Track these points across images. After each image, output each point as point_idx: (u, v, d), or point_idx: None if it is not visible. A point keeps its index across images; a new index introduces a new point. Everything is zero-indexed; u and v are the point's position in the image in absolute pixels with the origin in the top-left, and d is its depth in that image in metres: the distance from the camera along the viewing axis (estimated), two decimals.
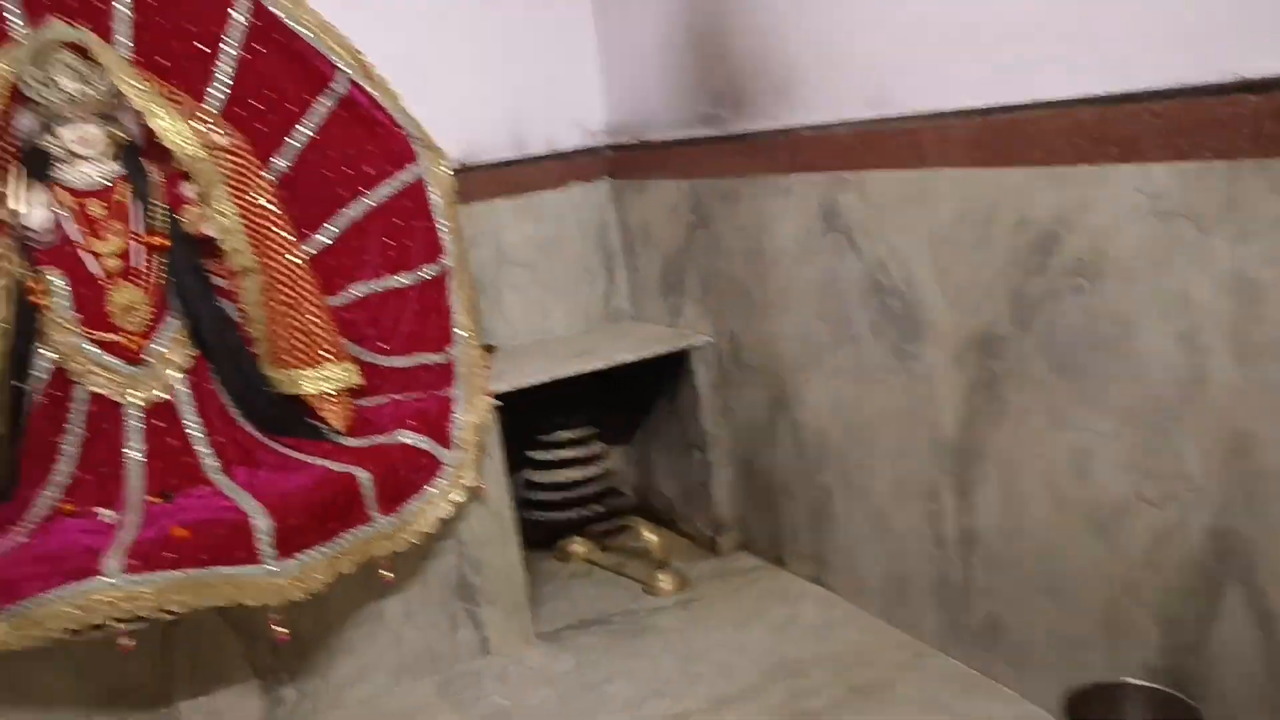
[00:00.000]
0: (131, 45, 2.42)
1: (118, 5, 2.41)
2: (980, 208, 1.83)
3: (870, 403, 2.23)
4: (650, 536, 2.72)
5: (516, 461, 2.81)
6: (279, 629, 2.05)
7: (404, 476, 2.29)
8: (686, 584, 2.70)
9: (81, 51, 2.27)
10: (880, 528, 2.28)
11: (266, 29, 2.53)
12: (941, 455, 2.05)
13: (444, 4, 2.88)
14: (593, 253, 3.14)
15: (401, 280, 2.64)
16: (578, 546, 2.96)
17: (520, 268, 3.05)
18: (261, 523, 2.03)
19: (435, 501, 2.33)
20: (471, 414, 2.42)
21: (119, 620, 1.91)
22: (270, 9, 2.52)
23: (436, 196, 2.63)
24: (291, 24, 2.54)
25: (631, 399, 3.06)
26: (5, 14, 2.33)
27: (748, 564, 2.76)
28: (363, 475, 2.21)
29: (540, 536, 2.93)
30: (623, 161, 3.05)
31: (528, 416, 2.80)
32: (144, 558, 1.93)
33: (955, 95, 1.84)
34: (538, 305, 3.08)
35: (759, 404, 2.64)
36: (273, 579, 2.02)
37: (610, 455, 3.08)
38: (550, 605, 2.67)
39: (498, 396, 2.51)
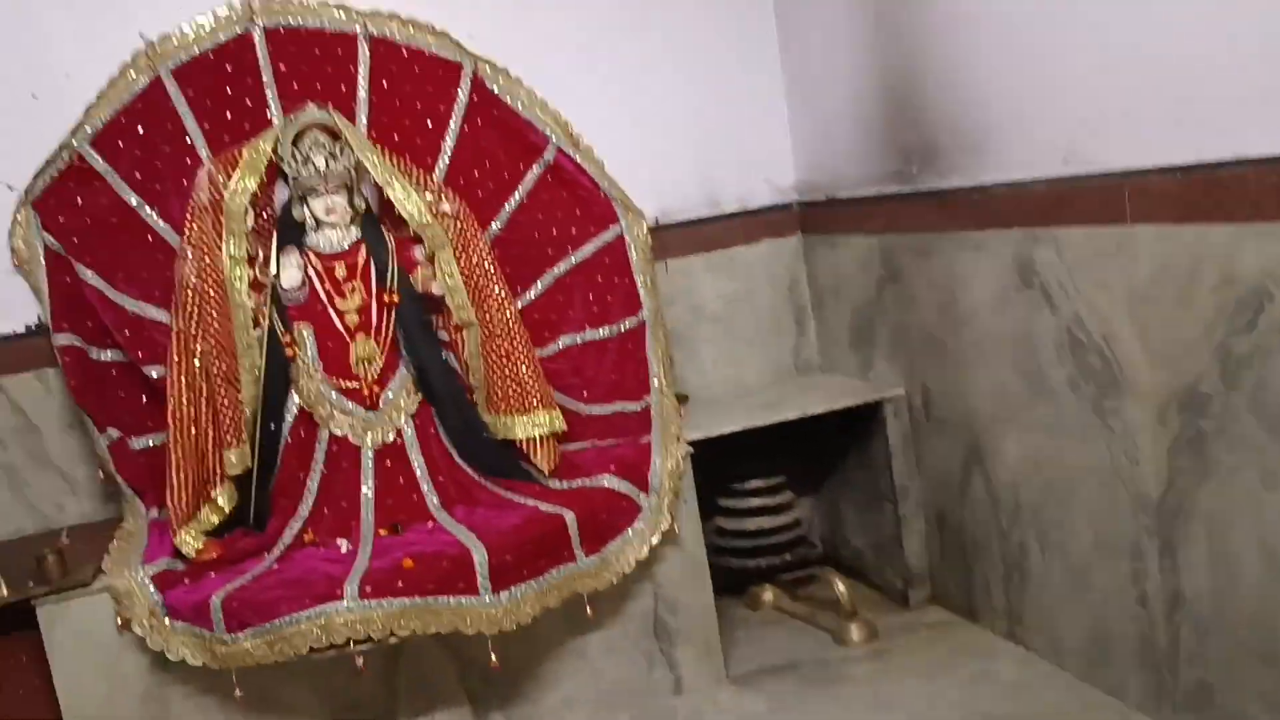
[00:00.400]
0: (369, 124, 2.72)
1: (359, 89, 2.72)
2: (1182, 264, 1.82)
3: (1068, 459, 2.21)
4: (841, 587, 2.76)
5: (709, 509, 2.91)
6: (493, 657, 2.21)
7: (606, 519, 2.44)
8: (876, 635, 2.72)
9: (330, 131, 2.57)
10: (1080, 586, 2.24)
11: (485, 105, 2.78)
12: (1145, 514, 2.02)
13: (641, 72, 3.06)
14: (783, 306, 3.23)
15: (602, 333, 2.81)
16: (768, 594, 3.02)
17: (713, 321, 3.17)
18: (479, 557, 2.21)
19: (634, 543, 2.46)
20: (668, 460, 2.55)
21: (354, 641, 2.13)
22: (489, 87, 2.78)
23: (635, 254, 2.80)
24: (507, 99, 2.78)
25: (821, 450, 3.12)
26: (266, 103, 2.67)
27: (939, 618, 2.76)
28: (569, 516, 2.37)
29: (731, 583, 3.01)
30: (813, 217, 3.14)
31: (720, 465, 2.90)
32: (377, 585, 2.15)
33: (1155, 153, 1.84)
34: (730, 357, 3.19)
35: (952, 457, 2.64)
36: (488, 609, 2.20)
37: (800, 505, 3.13)
38: (741, 649, 2.74)
39: (691, 444, 2.63)
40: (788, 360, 3.25)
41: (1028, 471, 2.36)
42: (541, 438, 2.59)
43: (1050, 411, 2.24)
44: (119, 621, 2.23)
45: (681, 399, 2.95)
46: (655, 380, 2.76)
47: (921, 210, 2.58)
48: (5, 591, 2.20)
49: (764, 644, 2.78)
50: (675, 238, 3.09)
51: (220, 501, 2.42)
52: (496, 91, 2.78)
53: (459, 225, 2.60)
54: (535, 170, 2.81)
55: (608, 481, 2.51)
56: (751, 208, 3.19)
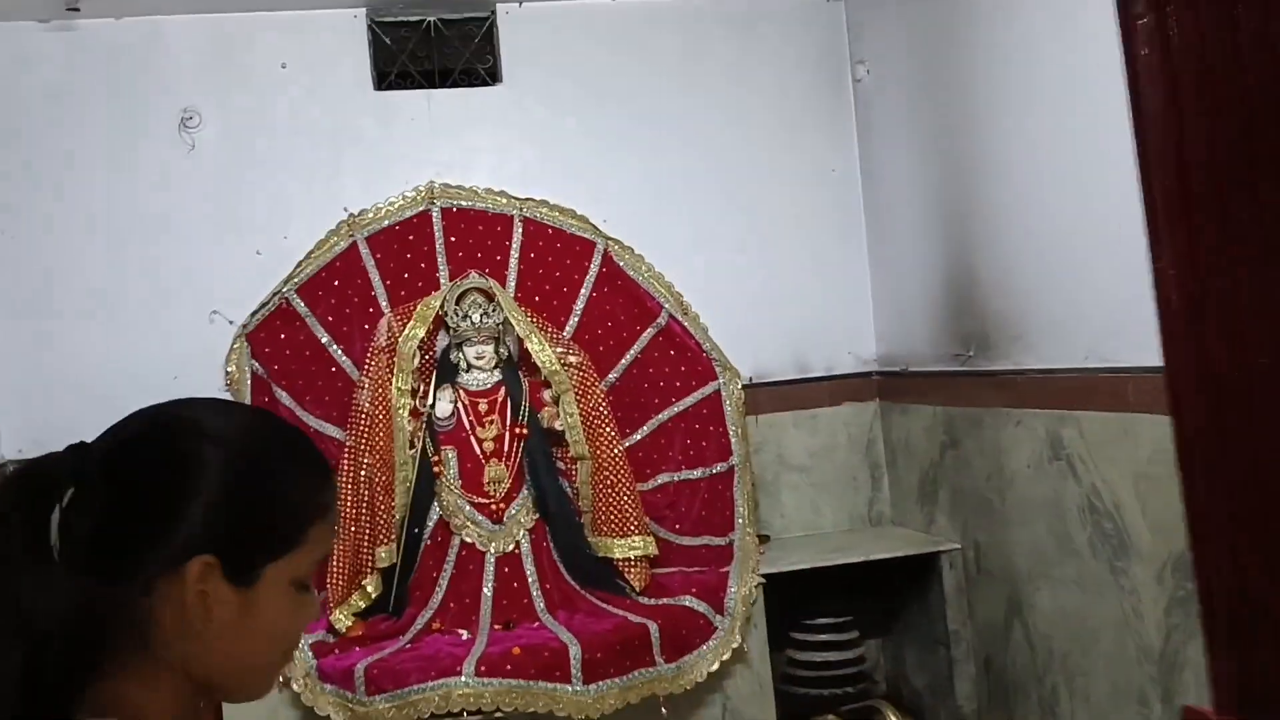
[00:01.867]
0: (517, 287, 3.32)
1: (511, 259, 3.33)
2: (1170, 449, 2.19)
3: (1090, 612, 2.54)
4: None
5: (783, 641, 3.28)
6: None
7: (685, 633, 2.85)
8: None
9: (485, 294, 3.17)
10: None
11: (611, 276, 3.36)
12: (1149, 663, 2.33)
13: (746, 251, 3.59)
14: (860, 463, 3.64)
15: (696, 474, 3.28)
16: None
17: (797, 472, 3.60)
18: (574, 652, 2.66)
19: (708, 657, 2.86)
20: (743, 588, 2.96)
21: (467, 712, 2.58)
22: (616, 261, 3.36)
23: (729, 407, 3.29)
24: (630, 272, 3.36)
25: (888, 595, 3.46)
26: (437, 268, 3.30)
27: None
28: (653, 627, 2.80)
29: (798, 710, 3.34)
30: (889, 386, 3.58)
31: (795, 601, 3.28)
32: (490, 667, 2.61)
33: (1152, 354, 2.24)
34: (810, 505, 3.60)
35: (997, 607, 2.98)
36: (578, 697, 2.63)
37: (866, 644, 3.46)
38: None
39: (766, 577, 3.04)
40: (862, 511, 3.63)
41: (1058, 622, 2.68)
42: (635, 559, 3.04)
43: (1075, 569, 2.58)
44: (280, 679, 2.74)
45: (763, 538, 3.37)
46: (739, 519, 3.21)
47: (976, 387, 3.00)
48: None
49: None
50: (766, 395, 3.56)
51: (369, 589, 2.94)
52: (622, 265, 3.36)
53: (581, 374, 3.14)
54: (649, 332, 3.35)
55: (689, 602, 2.93)
56: (836, 373, 3.65)
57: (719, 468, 3.28)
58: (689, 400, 3.33)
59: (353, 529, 2.95)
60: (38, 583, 0.71)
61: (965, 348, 3.06)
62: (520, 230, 3.34)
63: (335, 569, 2.90)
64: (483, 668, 2.61)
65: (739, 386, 3.33)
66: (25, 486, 0.75)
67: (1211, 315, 1.58)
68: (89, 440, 0.80)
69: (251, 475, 0.78)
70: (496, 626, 2.87)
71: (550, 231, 3.36)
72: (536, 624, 2.87)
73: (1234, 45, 1.09)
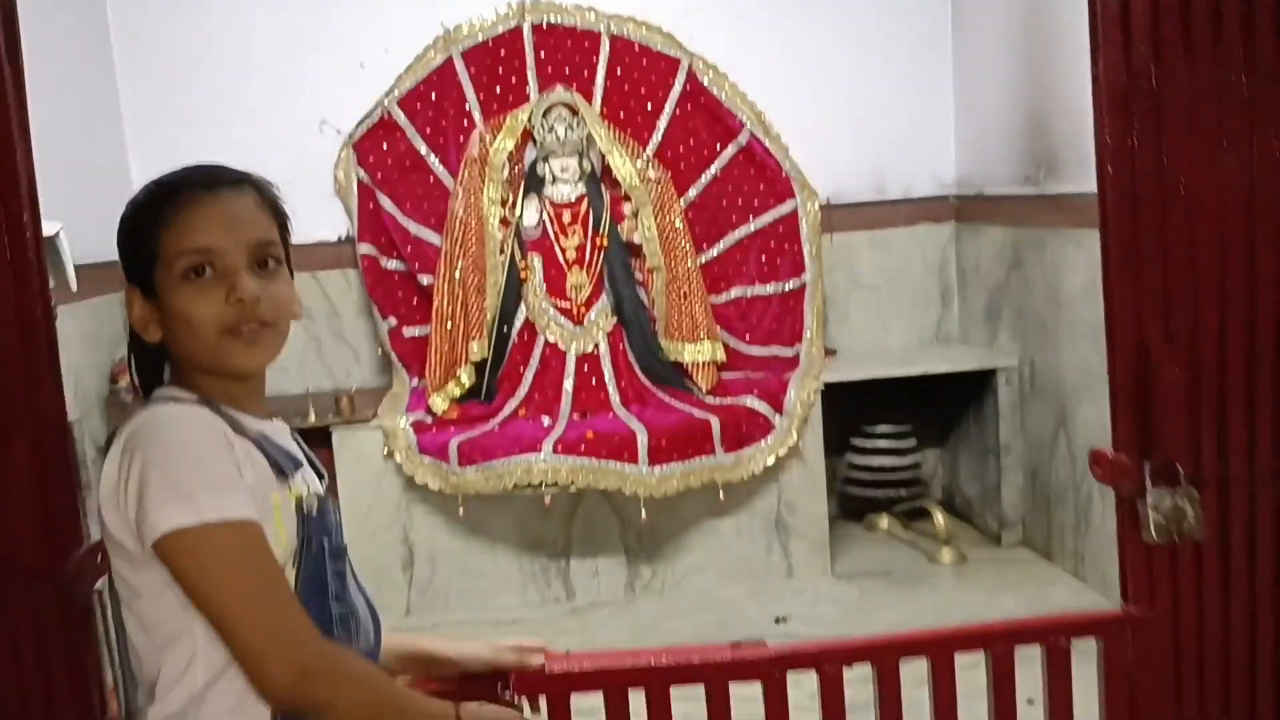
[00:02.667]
0: (602, 103, 3.46)
1: (598, 75, 3.46)
2: None
3: None
4: (940, 518, 3.31)
5: (844, 446, 3.52)
6: (644, 514, 2.95)
7: (745, 429, 3.10)
8: (964, 560, 3.26)
9: (571, 108, 3.33)
10: None
11: (695, 93, 3.46)
12: None
13: (829, 72, 3.62)
14: (932, 284, 3.76)
15: (769, 289, 3.46)
16: (883, 521, 3.60)
17: (868, 291, 3.74)
18: (642, 439, 2.94)
19: (765, 451, 3.12)
20: (803, 392, 3.18)
21: (545, 484, 2.91)
22: (700, 79, 3.45)
23: (805, 226, 3.42)
24: (714, 90, 3.46)
25: (947, 407, 3.64)
26: (527, 82, 3.46)
27: (1023, 556, 3.26)
28: (715, 421, 3.06)
29: (855, 509, 3.61)
30: (965, 209, 3.65)
31: (858, 410, 3.49)
32: (566, 447, 2.92)
33: None
34: (879, 323, 3.76)
35: (1046, 421, 3.13)
36: (644, 478, 2.93)
37: (923, 452, 3.68)
38: (850, 556, 3.35)
39: (828, 385, 3.24)
40: (930, 330, 3.77)
41: (1097, 433, 2.83)
42: (704, 363, 3.28)
43: None
44: (385, 450, 3.12)
45: (829, 352, 3.56)
46: (808, 332, 3.39)
47: (1042, 209, 3.07)
48: (314, 418, 3.12)
49: (869, 556, 3.37)
50: (843, 215, 3.67)
51: (463, 378, 3.25)
52: (706, 84, 3.46)
53: (660, 189, 3.31)
54: (730, 150, 3.47)
55: (750, 401, 3.17)
56: (913, 196, 3.73)
57: (791, 284, 3.45)
58: (766, 218, 3.47)
59: (448, 325, 3.25)
60: None
61: (1036, 169, 3.11)
62: (607, 46, 3.45)
63: (433, 361, 3.23)
64: (560, 447, 2.92)
65: (816, 206, 3.45)
66: None
67: None
68: None
69: (123, 226, 1.09)
70: (575, 415, 3.17)
71: (636, 48, 3.46)
72: (611, 415, 3.15)
73: None
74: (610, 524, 3.15)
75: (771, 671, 1.30)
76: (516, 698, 1.25)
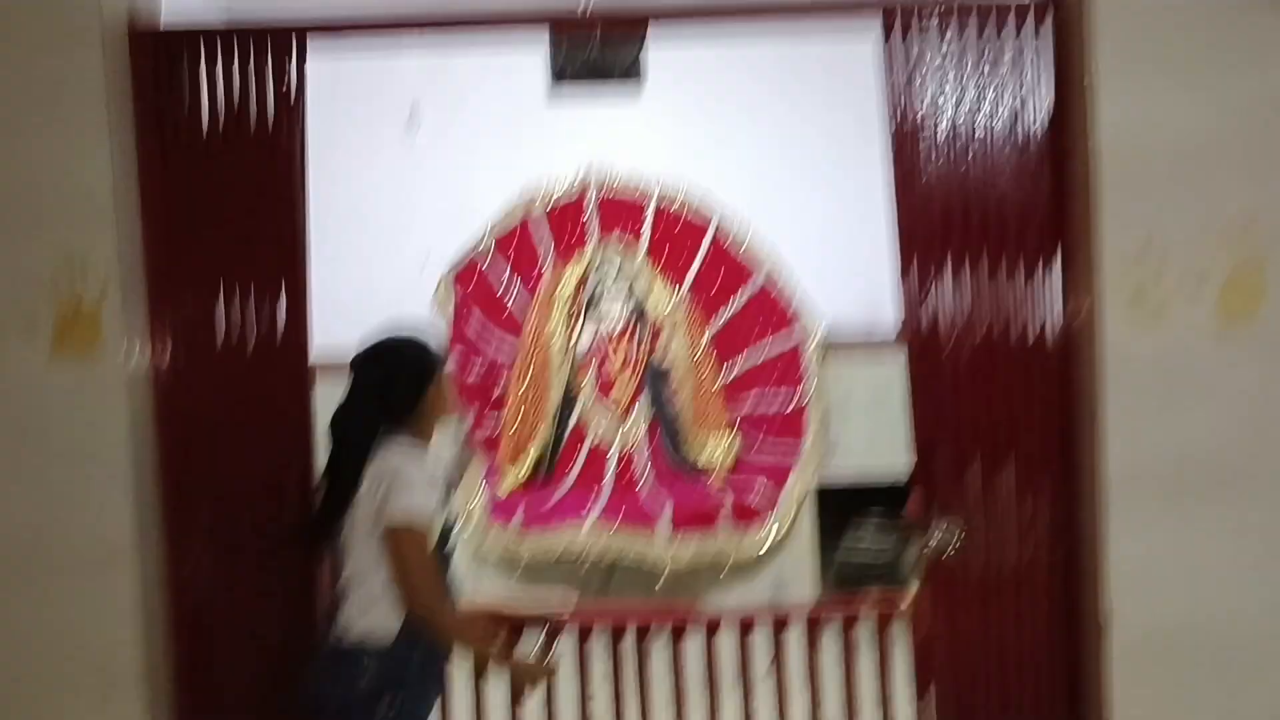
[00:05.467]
0: (648, 252, 4.31)
1: (644, 230, 4.32)
2: None
3: None
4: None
5: (838, 537, 4.20)
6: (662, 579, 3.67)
7: (748, 514, 3.83)
8: None
9: (622, 255, 4.20)
10: None
11: (720, 244, 4.30)
12: None
13: (833, 230, 4.43)
14: None
15: (776, 405, 4.22)
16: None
17: (862, 411, 4.45)
18: (665, 516, 3.70)
19: (764, 535, 3.83)
20: (799, 486, 3.91)
21: (586, 553, 3.67)
22: (725, 233, 4.29)
23: (810, 355, 4.20)
24: (737, 243, 4.29)
25: None
26: (588, 234, 4.34)
27: None
28: (726, 505, 3.80)
29: (840, 585, 4.27)
30: None
31: (850, 508, 4.18)
32: (605, 519, 3.69)
33: None
34: (870, 436, 4.45)
35: None
36: (662, 549, 3.67)
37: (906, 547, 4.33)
38: None
39: (821, 486, 3.96)
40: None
41: None
42: (720, 460, 4.04)
43: None
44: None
45: (826, 459, 4.28)
46: (808, 440, 4.13)
47: None
48: None
49: None
50: (842, 344, 4.42)
51: (527, 465, 4.06)
52: (730, 237, 4.30)
53: (690, 321, 4.14)
54: (748, 291, 4.28)
55: (756, 494, 3.91)
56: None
57: (795, 400, 4.20)
58: (777, 346, 4.25)
59: (515, 423, 4.07)
60: None
61: None
62: (653, 208, 4.32)
63: (503, 448, 4.04)
64: (601, 520, 3.69)
65: (819, 336, 4.22)
66: None
67: None
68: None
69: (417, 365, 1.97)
70: (614, 495, 3.94)
71: (675, 209, 4.33)
72: (641, 496, 3.92)
73: None
74: (637, 584, 3.87)
75: None
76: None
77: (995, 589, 2.06)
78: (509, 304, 4.32)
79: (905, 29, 2.03)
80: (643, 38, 4.31)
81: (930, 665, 2.07)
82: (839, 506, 3.96)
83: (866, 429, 4.43)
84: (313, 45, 2.01)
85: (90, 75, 1.88)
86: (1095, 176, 1.98)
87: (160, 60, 1.97)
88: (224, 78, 1.98)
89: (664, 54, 4.40)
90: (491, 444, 4.16)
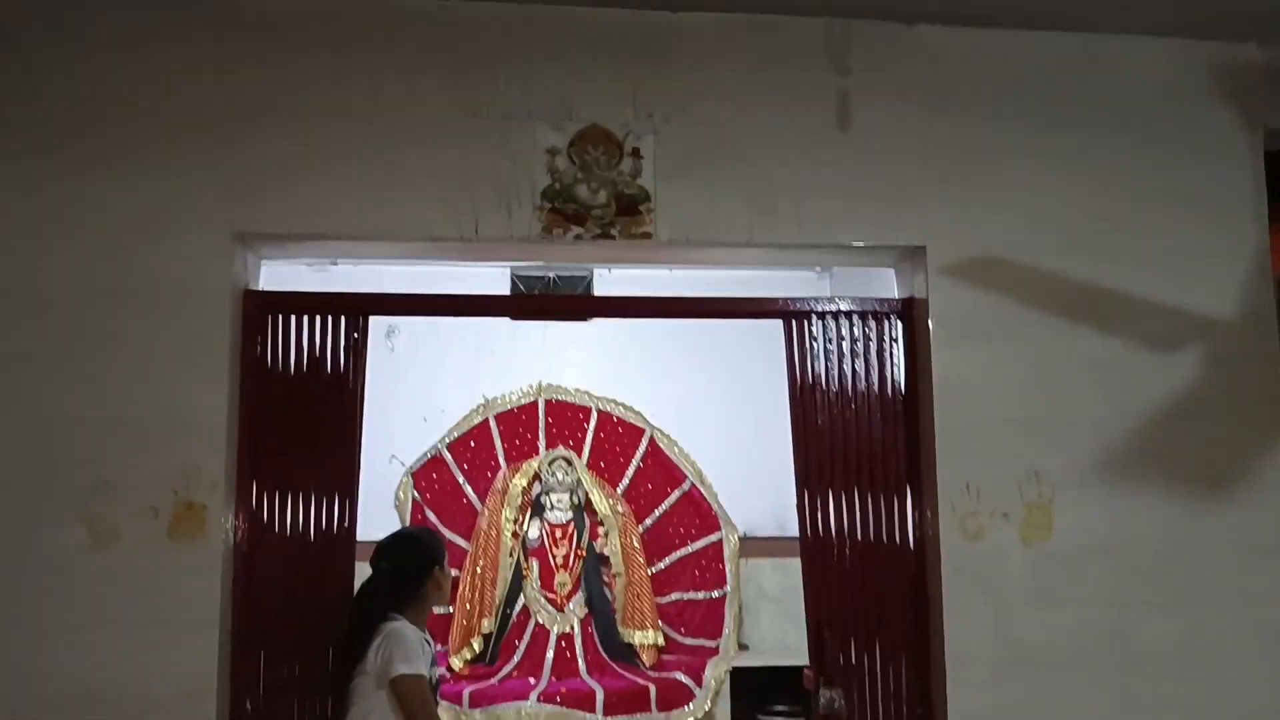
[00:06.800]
0: (590, 456, 5.17)
1: (587, 436, 5.20)
2: None
3: None
4: None
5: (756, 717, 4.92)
6: None
7: (673, 696, 4.54)
8: None
9: (567, 460, 5.05)
10: None
11: (654, 453, 5.16)
12: None
13: (749, 437, 5.34)
14: None
15: (700, 595, 5.01)
16: None
17: (773, 602, 5.28)
18: (600, 697, 4.39)
19: (687, 715, 4.55)
20: (717, 671, 4.66)
21: None
22: (659, 443, 5.18)
23: (728, 551, 5.04)
24: (667, 452, 5.18)
25: None
26: (538, 438, 5.20)
27: None
28: (653, 689, 4.51)
29: None
30: None
31: (767, 695, 4.91)
32: (546, 699, 4.36)
33: None
34: (780, 627, 5.27)
35: None
36: None
37: None
38: None
39: (736, 669, 4.72)
40: None
41: None
42: (649, 646, 4.78)
43: None
44: None
45: (742, 646, 5.06)
46: (727, 629, 4.91)
47: None
48: None
49: None
50: (755, 545, 5.28)
51: (475, 646, 4.73)
52: (662, 446, 5.18)
53: (625, 519, 4.96)
54: (676, 494, 5.14)
55: (679, 676, 4.63)
56: None
57: (716, 593, 4.99)
58: (699, 544, 5.07)
59: (467, 606, 4.77)
60: None
61: None
62: (595, 417, 5.21)
63: (454, 631, 4.73)
64: (541, 699, 4.37)
65: (736, 537, 5.08)
66: None
67: None
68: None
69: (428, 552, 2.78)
70: (553, 677, 4.63)
71: (615, 419, 5.22)
72: (578, 679, 4.62)
73: None
74: None
75: None
76: None
77: None
78: (464, 500, 5.10)
79: (801, 323, 3.01)
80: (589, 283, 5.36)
81: None
82: (754, 686, 4.71)
83: (777, 620, 5.25)
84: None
85: (217, 330, 2.73)
86: (933, 432, 2.94)
87: (262, 317, 2.83)
88: (308, 331, 2.86)
89: (612, 285, 5.43)
90: (438, 627, 4.84)
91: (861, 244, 3.01)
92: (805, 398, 3.03)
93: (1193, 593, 2.97)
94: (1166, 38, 3.08)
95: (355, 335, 2.91)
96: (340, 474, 2.83)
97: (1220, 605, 2.96)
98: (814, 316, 3.04)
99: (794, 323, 3.03)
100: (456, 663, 4.67)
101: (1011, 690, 2.88)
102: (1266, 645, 2.96)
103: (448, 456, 5.12)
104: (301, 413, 2.84)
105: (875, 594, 2.94)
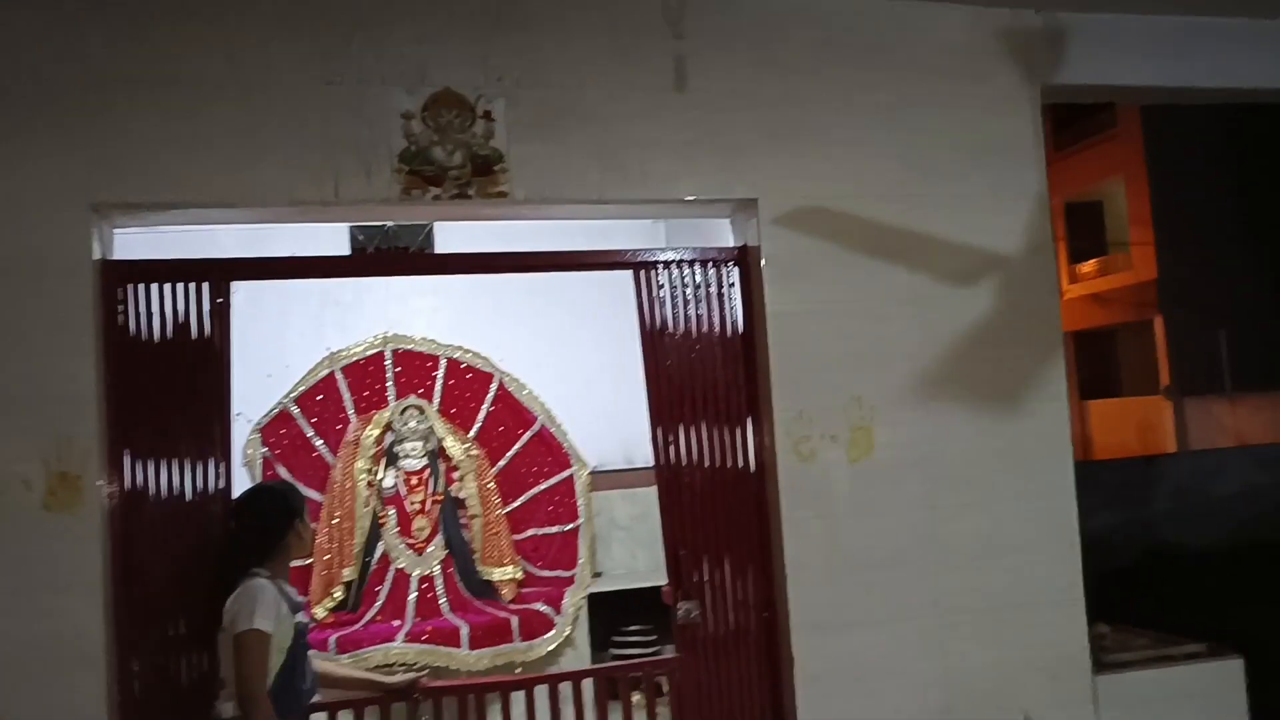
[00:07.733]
0: (441, 403, 5.38)
1: (437, 384, 5.40)
2: None
3: None
4: None
5: (608, 641, 5.30)
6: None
7: (534, 626, 4.87)
8: None
9: (419, 408, 5.24)
10: None
11: (503, 397, 5.42)
12: None
13: (598, 374, 5.65)
14: None
15: (553, 530, 5.33)
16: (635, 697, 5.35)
17: (623, 529, 5.66)
18: (464, 632, 4.67)
19: (549, 641, 4.88)
20: (574, 599, 5.01)
21: (400, 664, 4.57)
22: (507, 387, 5.44)
23: (579, 485, 5.37)
24: (516, 395, 5.44)
25: None
26: (387, 388, 5.36)
27: None
28: (514, 621, 4.82)
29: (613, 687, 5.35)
30: None
31: (620, 616, 5.29)
32: (412, 637, 4.61)
33: None
34: (630, 554, 5.66)
35: None
36: (465, 657, 4.63)
37: (664, 648, 5.49)
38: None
39: (593, 595, 5.08)
40: None
41: None
42: (508, 581, 5.08)
43: None
44: None
45: (597, 574, 5.42)
46: (581, 559, 5.26)
47: None
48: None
49: None
50: (605, 478, 5.63)
51: (337, 595, 4.92)
52: (511, 390, 5.44)
53: (479, 462, 5.21)
54: (527, 435, 5.42)
55: (539, 606, 4.96)
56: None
57: (569, 526, 5.33)
58: (552, 481, 5.39)
59: (325, 556, 4.94)
60: None
61: None
62: (444, 364, 5.41)
63: (314, 581, 4.89)
64: (408, 639, 4.62)
65: (587, 472, 5.41)
66: None
67: None
68: None
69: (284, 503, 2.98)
70: (418, 618, 4.87)
71: (463, 366, 5.44)
72: (442, 618, 4.88)
73: None
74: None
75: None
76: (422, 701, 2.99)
77: (724, 644, 3.25)
78: (314, 454, 5.23)
79: (649, 273, 3.31)
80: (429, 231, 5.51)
81: (683, 703, 3.21)
82: (610, 610, 5.09)
83: (628, 547, 5.64)
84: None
85: (78, 300, 2.80)
86: (769, 367, 3.31)
87: (121, 286, 2.92)
88: (171, 299, 2.97)
89: (453, 233, 5.59)
90: (300, 579, 5.00)
91: (701, 198, 3.32)
92: (655, 341, 3.35)
93: (993, 493, 3.48)
94: (960, 5, 3.49)
95: (219, 300, 3.03)
96: (212, 437, 2.97)
97: (1014, 501, 3.48)
98: (660, 266, 3.34)
99: (642, 273, 3.33)
100: (320, 612, 4.85)
101: (843, 588, 3.32)
102: (1048, 533, 3.52)
103: (295, 410, 5.23)
104: (168, 378, 2.96)
105: (724, 515, 3.31)
